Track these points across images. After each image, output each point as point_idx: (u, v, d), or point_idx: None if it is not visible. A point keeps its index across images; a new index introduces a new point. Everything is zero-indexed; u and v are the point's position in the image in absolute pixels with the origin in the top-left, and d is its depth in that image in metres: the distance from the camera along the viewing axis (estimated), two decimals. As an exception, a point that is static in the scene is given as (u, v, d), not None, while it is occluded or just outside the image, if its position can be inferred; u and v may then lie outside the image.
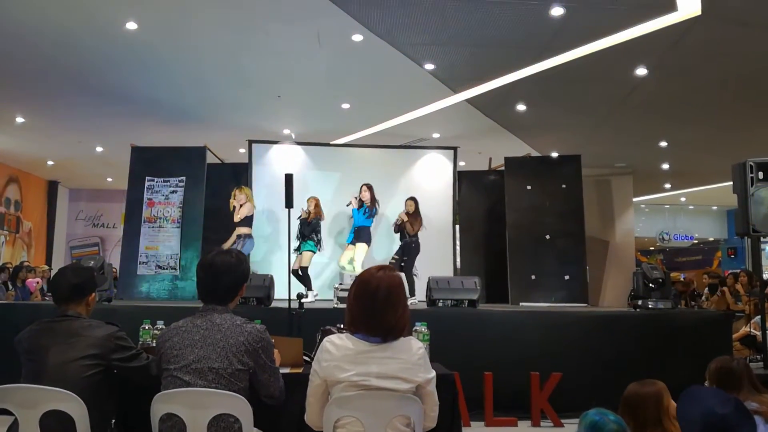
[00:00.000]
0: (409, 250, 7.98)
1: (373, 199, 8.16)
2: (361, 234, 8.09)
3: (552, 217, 9.16)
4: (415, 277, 7.77)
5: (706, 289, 10.58)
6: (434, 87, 8.05)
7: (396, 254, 8.09)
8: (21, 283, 9.60)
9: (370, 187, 8.20)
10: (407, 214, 8.08)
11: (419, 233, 8.07)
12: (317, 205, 8.17)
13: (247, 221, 7.78)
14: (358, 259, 7.93)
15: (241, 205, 7.72)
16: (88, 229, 15.84)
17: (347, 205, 8.36)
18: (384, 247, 8.94)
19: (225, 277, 2.60)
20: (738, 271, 9.72)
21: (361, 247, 8.03)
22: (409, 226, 7.99)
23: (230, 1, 6.11)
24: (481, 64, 7.43)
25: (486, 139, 10.15)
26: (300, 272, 7.84)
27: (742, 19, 6.05)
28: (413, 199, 8.22)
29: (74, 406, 2.39)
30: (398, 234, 8.20)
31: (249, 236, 7.75)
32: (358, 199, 8.14)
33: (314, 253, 8.03)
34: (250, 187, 9.01)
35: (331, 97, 8.75)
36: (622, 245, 11.76)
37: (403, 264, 7.80)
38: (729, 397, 2.24)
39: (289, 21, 6.47)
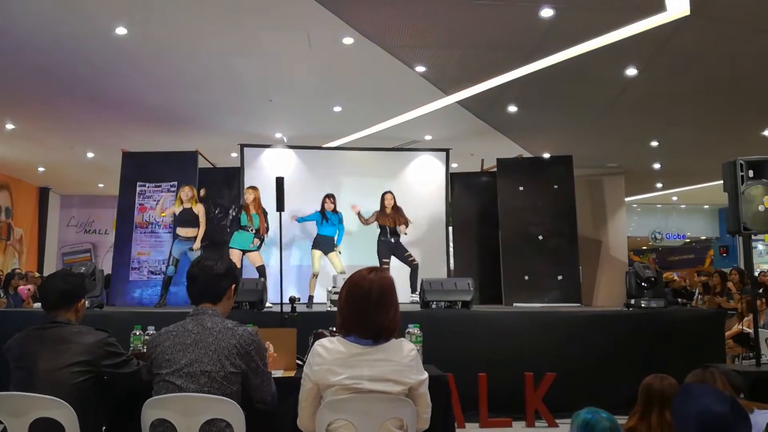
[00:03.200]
0: (402, 247, 7.96)
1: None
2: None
3: (544, 217, 9.18)
4: None
5: (697, 289, 10.62)
6: (425, 89, 8.06)
7: (384, 258, 7.92)
8: (13, 291, 9.54)
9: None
10: (393, 209, 8.00)
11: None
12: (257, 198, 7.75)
13: (198, 223, 7.49)
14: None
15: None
16: (79, 235, 15.77)
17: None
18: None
19: (215, 281, 2.60)
20: (728, 270, 9.75)
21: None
22: (402, 223, 7.94)
23: (220, 6, 6.10)
24: (472, 66, 7.44)
25: (478, 140, 10.17)
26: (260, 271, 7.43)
27: (731, 18, 6.09)
28: (391, 192, 8.14)
29: (64, 414, 2.37)
30: (382, 232, 8.03)
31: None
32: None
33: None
34: (242, 192, 8.97)
35: (323, 100, 8.75)
36: (614, 245, 11.79)
37: (415, 262, 7.80)
38: (726, 395, 2.24)
39: (279, 24, 6.47)
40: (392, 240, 7.93)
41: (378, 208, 8.21)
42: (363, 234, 8.60)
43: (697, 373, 2.77)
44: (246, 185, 9.03)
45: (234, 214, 7.68)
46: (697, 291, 10.58)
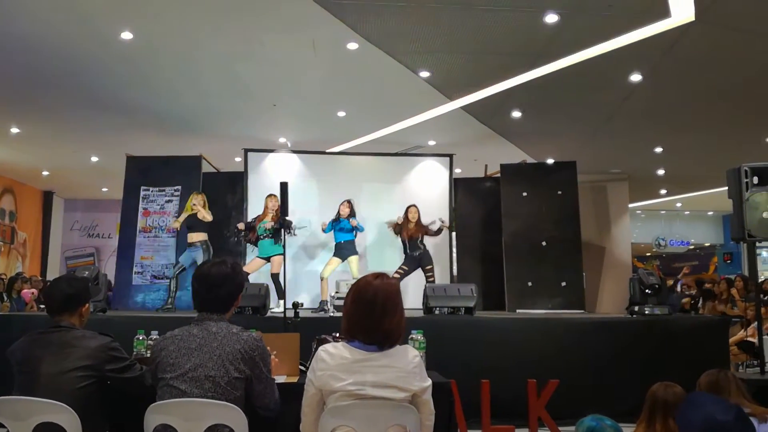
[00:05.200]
0: (428, 258, 7.86)
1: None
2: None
3: (548, 223, 9.17)
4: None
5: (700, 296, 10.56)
6: (429, 94, 8.06)
7: (404, 266, 7.84)
8: (17, 295, 9.54)
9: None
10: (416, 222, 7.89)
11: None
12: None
13: (204, 227, 7.53)
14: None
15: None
16: (83, 239, 15.79)
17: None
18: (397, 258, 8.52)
19: (221, 288, 2.59)
20: (734, 276, 9.71)
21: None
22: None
23: (225, 11, 6.11)
24: (476, 71, 7.44)
25: (482, 146, 10.16)
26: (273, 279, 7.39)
27: (736, 24, 6.08)
28: (415, 206, 8.02)
29: (67, 418, 2.37)
30: (405, 247, 7.93)
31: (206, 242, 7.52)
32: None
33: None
34: (246, 196, 8.98)
35: (327, 105, 8.76)
36: (618, 251, 11.76)
37: (432, 279, 7.71)
38: (731, 404, 2.24)
39: (284, 30, 6.48)
40: (415, 254, 7.84)
41: (381, 214, 8.18)
42: (383, 243, 8.57)
43: (712, 373, 2.76)
44: (250, 190, 9.06)
45: (247, 223, 7.62)
46: (700, 299, 10.53)
